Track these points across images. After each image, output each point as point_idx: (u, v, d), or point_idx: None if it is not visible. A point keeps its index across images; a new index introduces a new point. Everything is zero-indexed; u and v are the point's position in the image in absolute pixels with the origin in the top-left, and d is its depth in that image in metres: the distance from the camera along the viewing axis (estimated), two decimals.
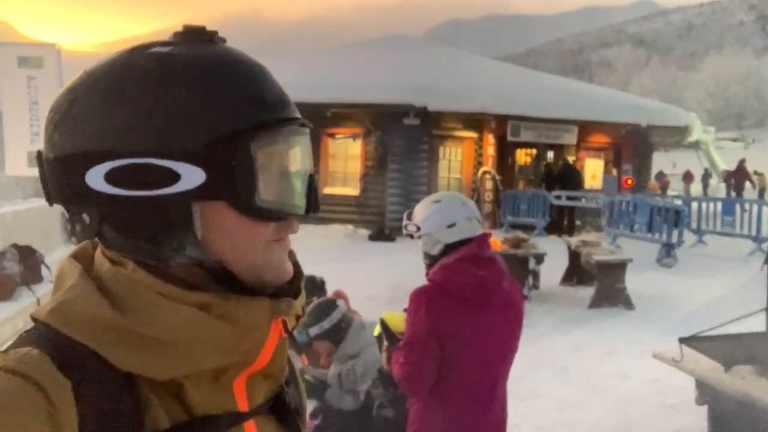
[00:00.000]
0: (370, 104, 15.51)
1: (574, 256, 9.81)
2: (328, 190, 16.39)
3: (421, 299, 2.34)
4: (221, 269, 0.71)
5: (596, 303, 8.50)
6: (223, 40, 0.74)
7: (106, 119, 0.67)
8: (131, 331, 0.66)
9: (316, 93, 14.69)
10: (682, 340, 3.78)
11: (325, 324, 3.24)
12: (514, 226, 15.23)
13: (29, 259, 5.50)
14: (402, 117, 15.52)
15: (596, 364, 6.34)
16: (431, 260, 2.48)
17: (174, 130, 0.67)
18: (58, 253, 6.80)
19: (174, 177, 0.67)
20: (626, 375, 5.93)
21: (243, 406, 0.74)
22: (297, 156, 0.74)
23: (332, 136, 16.67)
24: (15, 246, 5.51)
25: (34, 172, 8.54)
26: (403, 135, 15.80)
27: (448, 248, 2.44)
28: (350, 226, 15.60)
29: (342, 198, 16.19)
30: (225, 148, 0.67)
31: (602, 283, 8.56)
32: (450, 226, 2.43)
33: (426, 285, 2.41)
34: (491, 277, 2.38)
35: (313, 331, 3.28)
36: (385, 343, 2.73)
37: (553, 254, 9.44)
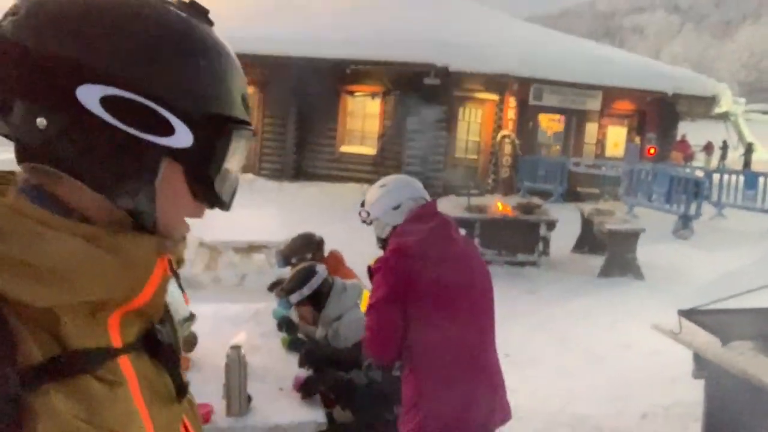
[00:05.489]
0: (390, 62, 15.24)
1: (586, 223, 9.68)
2: (344, 149, 16.28)
3: (380, 267, 2.41)
4: (153, 225, 0.74)
5: (606, 272, 8.41)
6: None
7: (125, 45, 0.68)
8: (7, 257, 0.63)
9: (335, 49, 14.45)
10: (681, 313, 3.70)
11: (305, 290, 3.30)
12: (532, 192, 15.06)
13: None
14: (422, 76, 15.25)
15: (599, 333, 6.28)
16: (383, 244, 2.56)
17: (185, 91, 0.71)
18: None
19: (167, 130, 0.70)
20: (628, 345, 5.88)
21: (117, 342, 0.72)
22: (243, 158, 0.80)
23: (351, 93, 16.48)
24: None
25: None
26: (423, 95, 15.52)
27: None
28: (366, 186, 15.50)
29: (358, 157, 16.09)
30: (216, 127, 0.73)
31: (613, 252, 8.45)
32: (395, 208, 2.51)
33: (383, 254, 2.48)
34: (438, 228, 2.45)
35: (294, 297, 3.32)
36: None
37: (567, 222, 9.32)
